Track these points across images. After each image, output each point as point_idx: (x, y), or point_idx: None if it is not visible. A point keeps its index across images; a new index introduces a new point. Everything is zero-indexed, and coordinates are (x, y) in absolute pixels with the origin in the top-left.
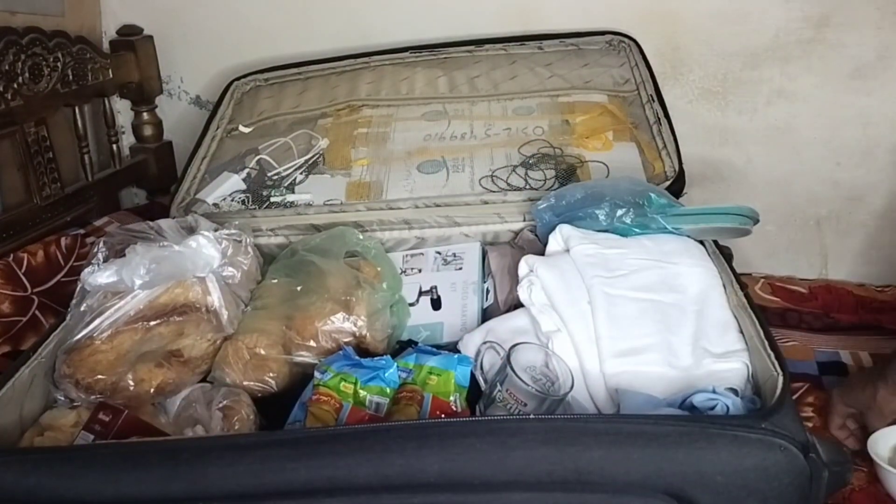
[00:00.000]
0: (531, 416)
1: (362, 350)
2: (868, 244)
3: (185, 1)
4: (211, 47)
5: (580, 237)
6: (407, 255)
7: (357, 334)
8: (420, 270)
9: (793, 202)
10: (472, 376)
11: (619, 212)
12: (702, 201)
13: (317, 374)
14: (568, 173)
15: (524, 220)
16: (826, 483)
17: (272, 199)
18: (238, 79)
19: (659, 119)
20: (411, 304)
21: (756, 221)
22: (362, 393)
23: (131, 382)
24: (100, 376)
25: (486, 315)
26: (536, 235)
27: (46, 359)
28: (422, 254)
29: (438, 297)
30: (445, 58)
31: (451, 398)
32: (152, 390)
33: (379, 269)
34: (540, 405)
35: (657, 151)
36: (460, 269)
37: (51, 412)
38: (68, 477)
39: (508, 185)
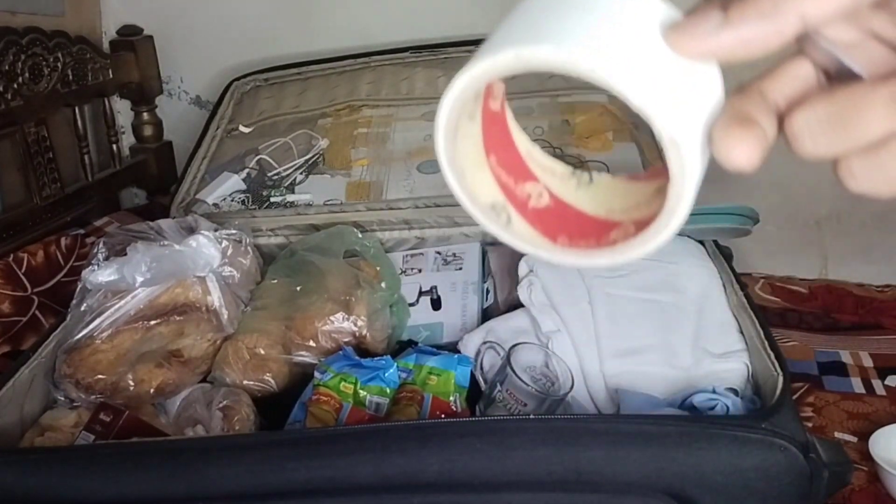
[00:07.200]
0: (531, 416)
1: (362, 350)
2: (868, 244)
3: (185, 1)
4: (211, 47)
5: None
6: (407, 255)
7: (357, 334)
8: (420, 270)
9: (793, 202)
10: (472, 376)
11: None
12: (702, 201)
13: (317, 374)
14: None
15: None
16: (826, 483)
17: (272, 199)
18: (238, 79)
19: None
20: (411, 304)
21: (756, 221)
22: (362, 393)
23: (131, 382)
24: (100, 376)
25: (486, 315)
26: None
27: (46, 359)
28: (422, 254)
29: (438, 297)
30: (445, 58)
31: (451, 398)
32: (152, 390)
33: (378, 268)
34: (540, 405)
35: (658, 151)
36: (460, 269)
37: (51, 412)
38: (68, 477)
39: None
